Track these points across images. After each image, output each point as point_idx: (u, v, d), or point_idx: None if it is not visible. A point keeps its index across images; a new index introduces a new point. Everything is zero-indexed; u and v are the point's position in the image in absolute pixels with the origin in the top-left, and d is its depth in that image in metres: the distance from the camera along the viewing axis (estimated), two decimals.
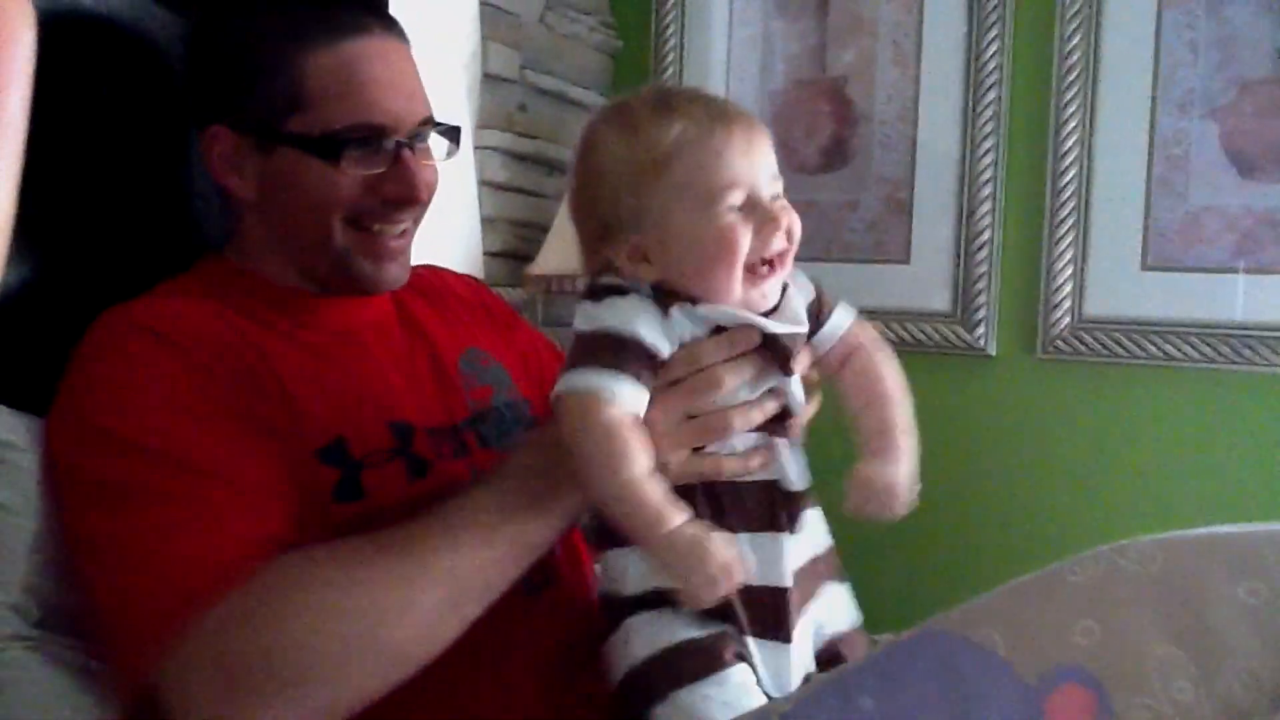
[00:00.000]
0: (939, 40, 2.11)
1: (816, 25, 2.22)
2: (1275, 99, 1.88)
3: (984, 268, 2.07)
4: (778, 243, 0.89)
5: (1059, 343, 2.02)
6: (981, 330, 2.08)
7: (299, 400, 0.97)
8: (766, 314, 0.91)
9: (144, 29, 1.15)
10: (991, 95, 2.06)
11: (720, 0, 2.29)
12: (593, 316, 0.89)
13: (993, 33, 2.05)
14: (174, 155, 1.17)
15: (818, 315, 0.95)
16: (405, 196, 1.03)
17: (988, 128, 2.06)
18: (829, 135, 2.22)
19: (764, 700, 0.87)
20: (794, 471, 0.94)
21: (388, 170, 1.02)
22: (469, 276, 1.34)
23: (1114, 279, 1.99)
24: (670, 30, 2.32)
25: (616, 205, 0.90)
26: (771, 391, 0.92)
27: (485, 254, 1.99)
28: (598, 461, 0.85)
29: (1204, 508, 1.93)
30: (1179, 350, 1.94)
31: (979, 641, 0.75)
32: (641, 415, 0.87)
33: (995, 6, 2.05)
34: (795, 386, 0.93)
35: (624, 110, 0.93)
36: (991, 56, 2.06)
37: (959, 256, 2.10)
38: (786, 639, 0.90)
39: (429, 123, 1.06)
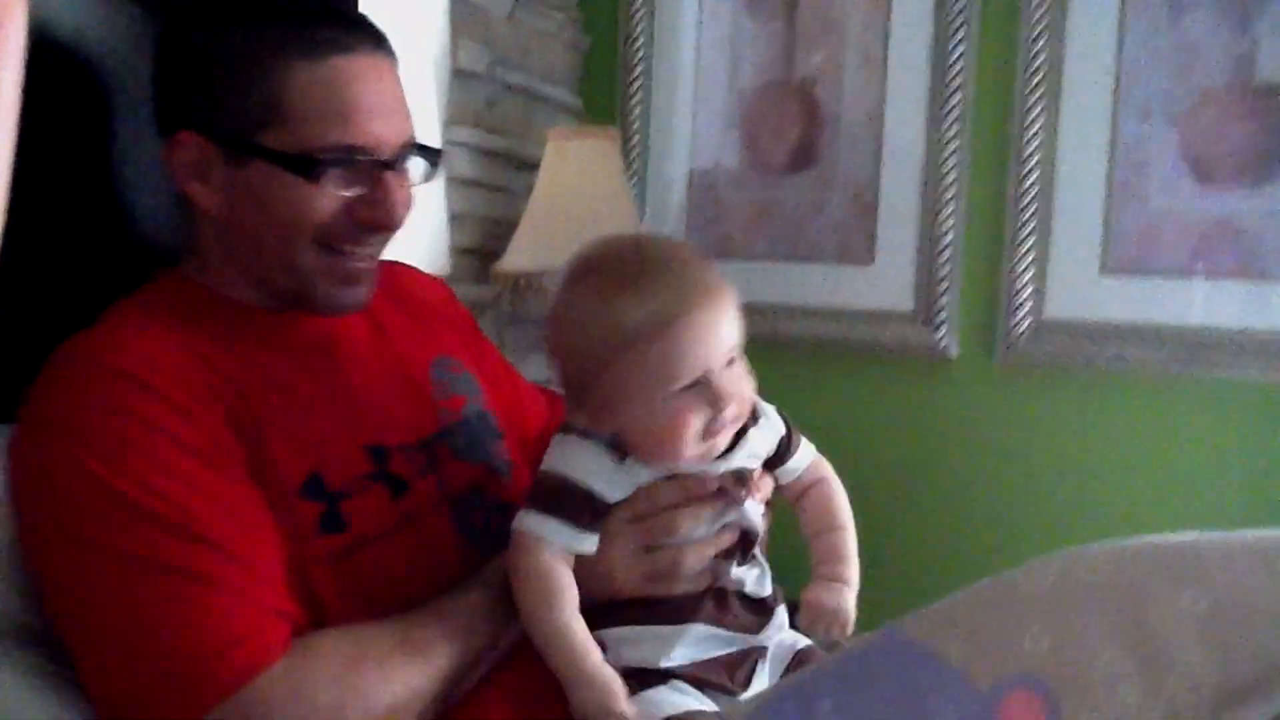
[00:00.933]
0: (905, 44, 2.13)
1: (785, 26, 2.24)
2: (1234, 107, 1.92)
3: (946, 270, 2.09)
4: (727, 416, 0.95)
5: (1019, 346, 2.05)
6: (943, 332, 2.10)
7: (275, 440, 0.97)
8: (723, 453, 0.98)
9: (101, 28, 1.13)
10: (956, 99, 2.08)
11: (689, 0, 2.30)
12: (554, 459, 0.98)
13: (958, 37, 2.07)
14: (128, 158, 1.15)
15: (786, 447, 1.04)
16: (381, 221, 1.02)
17: (952, 130, 2.08)
18: (796, 136, 2.23)
19: None
20: (754, 583, 1.01)
21: (366, 193, 1.00)
22: (438, 280, 1.34)
23: (1074, 282, 2.02)
24: (639, 29, 2.33)
25: (581, 368, 0.95)
26: (726, 526, 0.99)
27: (452, 250, 1.99)
28: (528, 600, 0.95)
29: (1160, 510, 1.96)
30: (1137, 353, 1.97)
31: (933, 648, 0.77)
32: (587, 552, 0.96)
33: (961, 11, 2.07)
34: (752, 511, 1.01)
35: (604, 272, 0.95)
36: (957, 60, 2.08)
37: (922, 258, 2.12)
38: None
39: (410, 144, 1.04)
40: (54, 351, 0.97)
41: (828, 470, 1.08)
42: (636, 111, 2.34)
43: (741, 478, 0.99)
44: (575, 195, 1.97)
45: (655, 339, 0.91)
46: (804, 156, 2.23)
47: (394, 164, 1.01)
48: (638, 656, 0.96)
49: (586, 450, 0.97)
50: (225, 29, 1.00)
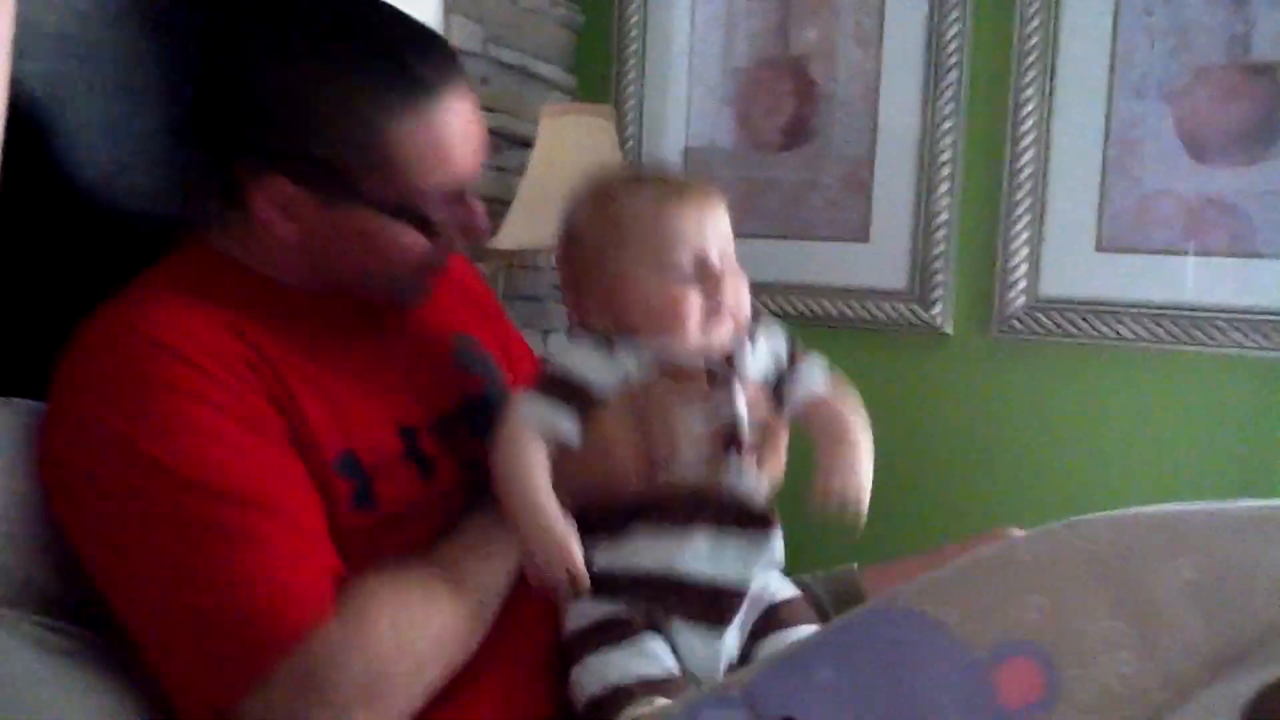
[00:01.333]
0: (900, 21, 2.13)
1: (779, 3, 2.23)
2: (1228, 85, 1.92)
3: (941, 247, 2.10)
4: (725, 300, 1.00)
5: (1014, 322, 2.06)
6: (938, 309, 2.11)
7: (312, 415, 0.97)
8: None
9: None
10: (951, 77, 2.08)
11: None
12: (552, 355, 1.04)
13: (953, 14, 2.07)
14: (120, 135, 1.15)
15: (792, 361, 1.07)
16: (474, 242, 1.06)
17: (947, 108, 2.08)
18: (791, 113, 2.23)
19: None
20: (750, 485, 1.01)
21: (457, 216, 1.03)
22: (461, 255, 1.34)
23: (1068, 260, 2.03)
24: (633, 6, 2.32)
25: (585, 267, 1.03)
26: (720, 419, 1.00)
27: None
28: (498, 461, 0.98)
29: (1153, 483, 1.97)
30: (1130, 330, 1.98)
31: (933, 615, 0.77)
32: (566, 435, 0.99)
33: None
34: (742, 409, 1.01)
35: (600, 182, 1.05)
36: (952, 38, 2.08)
37: (917, 236, 2.12)
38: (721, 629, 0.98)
39: None
40: (83, 325, 0.97)
41: (839, 387, 1.09)
42: (630, 89, 2.34)
43: (728, 361, 1.01)
44: (569, 173, 1.95)
45: (651, 222, 0.99)
46: (799, 134, 2.22)
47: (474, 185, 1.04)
48: (651, 559, 0.98)
49: (580, 345, 1.02)
50: (320, 72, 0.96)
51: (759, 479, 1.03)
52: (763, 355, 1.05)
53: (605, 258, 1.00)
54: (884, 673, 0.77)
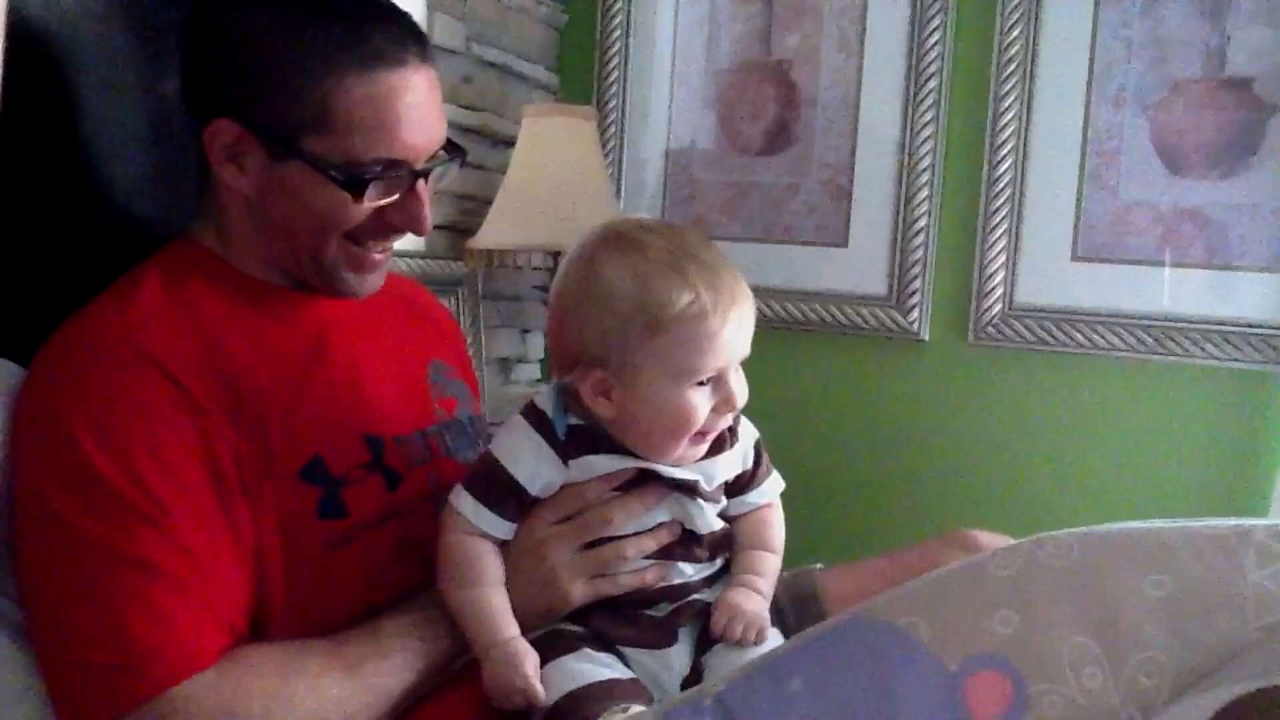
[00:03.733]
0: (882, 28, 2.14)
1: (763, 8, 2.24)
2: (1205, 98, 1.94)
3: (919, 254, 2.11)
4: (726, 421, 0.98)
5: (990, 329, 2.07)
6: (915, 315, 2.12)
7: (278, 424, 0.97)
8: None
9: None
10: (932, 85, 2.09)
11: None
12: (498, 442, 1.00)
13: (934, 22, 2.09)
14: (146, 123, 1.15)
15: (750, 479, 1.05)
16: (412, 228, 1.04)
17: (927, 115, 2.10)
18: (773, 118, 2.24)
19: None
20: (694, 573, 1.01)
21: (398, 199, 1.02)
22: (421, 286, 1.35)
23: (1045, 268, 2.05)
24: (617, 7, 2.32)
25: (601, 338, 0.95)
26: (665, 524, 1.00)
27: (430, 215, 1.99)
28: (442, 575, 0.98)
29: (1126, 490, 1.99)
30: (1105, 340, 2.00)
31: (904, 628, 0.78)
32: (502, 538, 0.99)
33: None
34: (703, 511, 1.01)
35: (640, 251, 0.95)
36: (933, 46, 2.09)
37: (896, 242, 2.14)
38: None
39: (440, 147, 1.05)
40: (76, 314, 0.98)
41: (777, 499, 1.08)
42: (613, 90, 2.34)
43: (685, 486, 1.00)
44: (551, 173, 1.98)
45: (694, 326, 0.93)
46: (780, 138, 2.23)
47: (426, 172, 1.03)
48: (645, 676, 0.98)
49: (533, 442, 0.98)
50: (278, 25, 0.98)
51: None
52: (733, 462, 1.03)
53: (626, 340, 0.94)
54: (856, 683, 0.77)
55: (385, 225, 1.03)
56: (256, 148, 0.99)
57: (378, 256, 1.06)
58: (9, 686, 0.92)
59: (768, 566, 1.04)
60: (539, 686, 0.93)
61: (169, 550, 0.89)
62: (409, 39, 1.00)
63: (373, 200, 1.00)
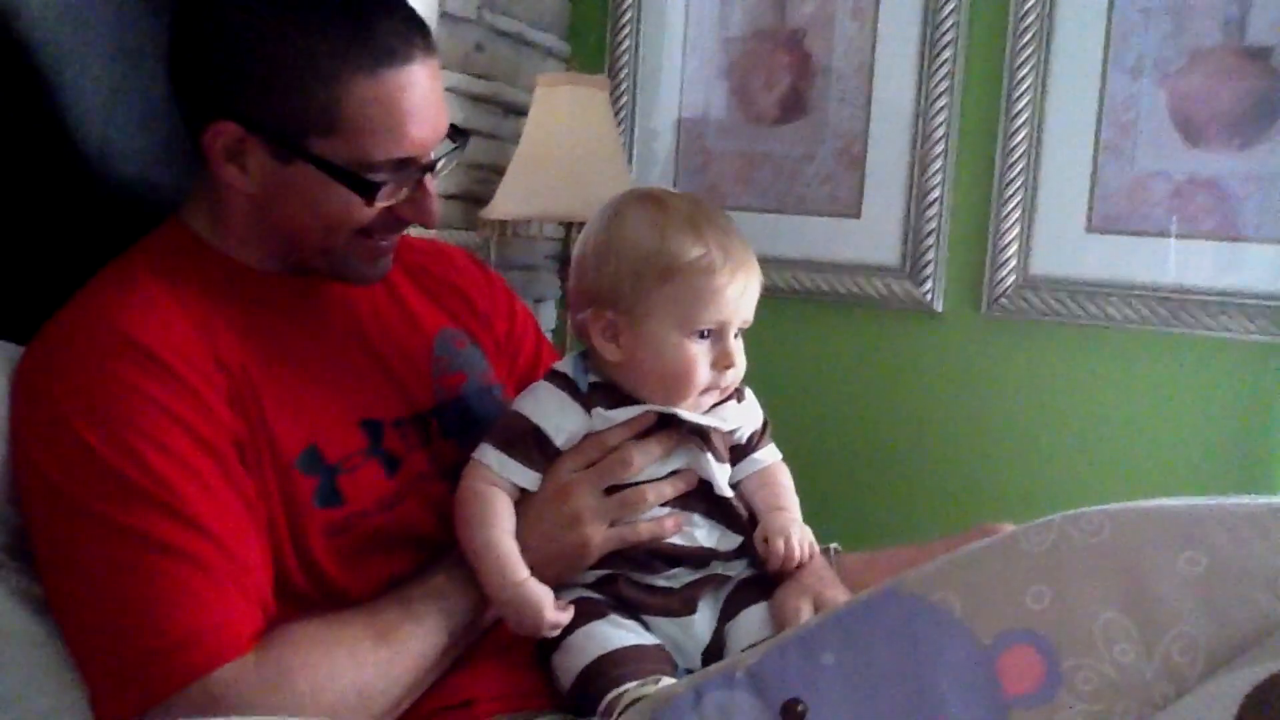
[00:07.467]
0: None
1: None
2: (1223, 68, 1.93)
3: (933, 224, 2.10)
4: (727, 378, 1.03)
5: (1004, 301, 2.07)
6: (929, 286, 2.12)
7: (274, 413, 0.98)
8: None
9: None
10: (947, 54, 2.08)
11: None
12: (522, 400, 1.05)
13: None
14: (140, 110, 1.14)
15: (758, 440, 1.09)
16: (421, 221, 1.05)
17: (942, 85, 2.08)
18: (786, 87, 2.22)
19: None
20: (712, 539, 1.04)
21: (407, 194, 1.02)
22: (459, 250, 1.32)
23: (1059, 239, 2.04)
24: None
25: (616, 281, 1.01)
26: (681, 472, 1.04)
27: (439, 196, 1.98)
28: (459, 520, 1.01)
29: (1139, 463, 2.00)
30: (1119, 311, 2.00)
31: (937, 603, 0.78)
32: (526, 485, 1.02)
33: None
34: (714, 467, 1.04)
35: (663, 207, 1.02)
36: (948, 15, 2.07)
37: (909, 212, 2.13)
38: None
39: (445, 135, 1.04)
40: (69, 303, 0.97)
41: (782, 464, 1.12)
42: (625, 59, 2.32)
43: (700, 427, 1.03)
44: (563, 142, 1.97)
45: (702, 276, 0.99)
46: (793, 107, 2.22)
47: (434, 166, 1.02)
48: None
49: (555, 395, 1.03)
50: (280, 24, 0.95)
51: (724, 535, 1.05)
52: (742, 415, 1.07)
53: (641, 283, 1.00)
54: (889, 657, 0.78)
55: (394, 219, 1.03)
56: (260, 149, 0.97)
57: (386, 245, 1.06)
58: (34, 664, 0.92)
59: (790, 507, 1.07)
60: (560, 616, 0.96)
61: (190, 535, 0.89)
62: (414, 32, 0.98)
63: (383, 201, 0.99)
